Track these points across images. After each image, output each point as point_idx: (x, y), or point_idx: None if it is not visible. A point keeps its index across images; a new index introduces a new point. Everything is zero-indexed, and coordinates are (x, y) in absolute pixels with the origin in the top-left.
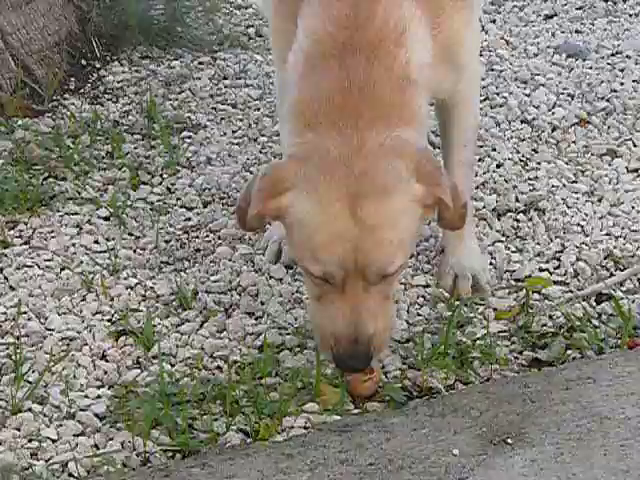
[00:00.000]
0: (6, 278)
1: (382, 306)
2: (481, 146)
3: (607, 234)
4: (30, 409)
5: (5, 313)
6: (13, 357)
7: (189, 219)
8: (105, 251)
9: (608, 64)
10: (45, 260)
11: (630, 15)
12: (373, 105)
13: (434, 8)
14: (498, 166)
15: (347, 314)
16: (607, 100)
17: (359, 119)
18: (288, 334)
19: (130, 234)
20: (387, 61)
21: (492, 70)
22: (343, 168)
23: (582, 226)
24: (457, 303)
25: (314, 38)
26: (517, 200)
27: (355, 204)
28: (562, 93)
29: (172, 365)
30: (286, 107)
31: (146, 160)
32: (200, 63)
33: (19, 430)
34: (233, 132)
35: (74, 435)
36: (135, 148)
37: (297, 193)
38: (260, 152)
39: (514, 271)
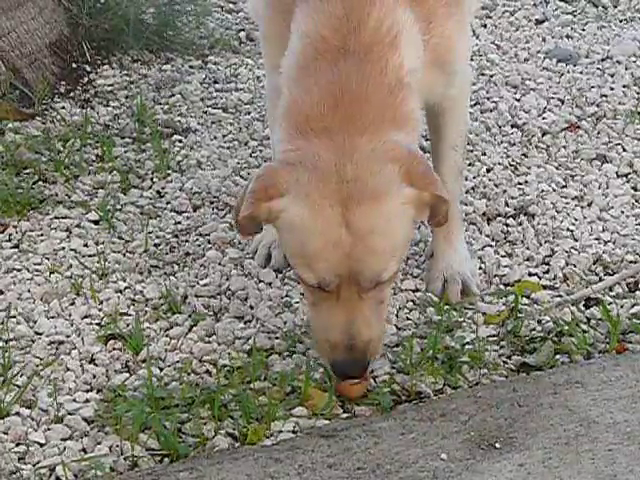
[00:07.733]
0: None
1: (376, 312)
2: (471, 150)
3: (596, 239)
4: (18, 413)
5: None
6: (1, 360)
7: (179, 223)
8: (94, 255)
9: (598, 69)
10: (34, 264)
11: (620, 20)
12: (365, 109)
13: (426, 13)
14: (488, 170)
15: (342, 321)
16: (597, 105)
17: (350, 124)
18: (277, 338)
19: (120, 238)
20: (380, 64)
21: (483, 75)
22: (334, 174)
23: (571, 231)
24: (446, 307)
25: (307, 41)
26: (507, 205)
27: (347, 211)
28: (552, 98)
29: (161, 369)
30: (278, 111)
31: (136, 164)
32: (191, 67)
33: (6, 434)
34: (223, 136)
35: (62, 439)
36: (125, 152)
37: (289, 199)
38: (250, 156)
39: (503, 275)
